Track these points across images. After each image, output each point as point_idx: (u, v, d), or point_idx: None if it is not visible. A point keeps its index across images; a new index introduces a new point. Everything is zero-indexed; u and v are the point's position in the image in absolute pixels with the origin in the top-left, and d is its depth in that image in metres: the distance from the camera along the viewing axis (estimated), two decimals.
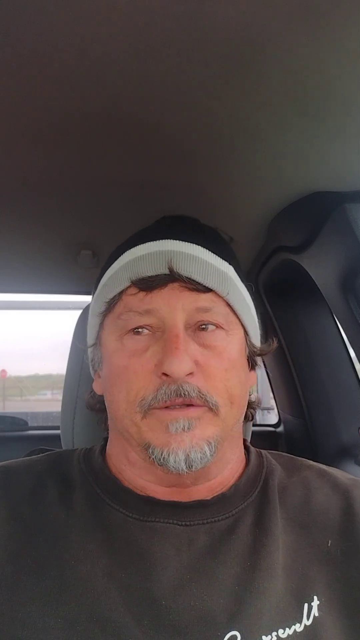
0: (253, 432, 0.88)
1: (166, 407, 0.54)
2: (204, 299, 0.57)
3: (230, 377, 0.57)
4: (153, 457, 0.53)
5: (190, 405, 0.54)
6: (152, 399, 0.54)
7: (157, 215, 0.69)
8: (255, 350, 0.65)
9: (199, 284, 0.57)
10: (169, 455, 0.52)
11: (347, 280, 0.92)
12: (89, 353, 0.67)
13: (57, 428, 0.90)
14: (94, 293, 0.67)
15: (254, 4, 0.48)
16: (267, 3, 0.48)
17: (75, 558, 0.53)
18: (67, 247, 1.23)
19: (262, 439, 1.79)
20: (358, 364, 1.39)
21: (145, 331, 0.57)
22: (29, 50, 0.55)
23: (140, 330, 0.57)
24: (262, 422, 1.99)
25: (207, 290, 0.57)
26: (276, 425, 1.85)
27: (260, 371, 1.88)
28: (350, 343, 1.05)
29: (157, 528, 0.55)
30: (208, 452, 0.53)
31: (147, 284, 0.57)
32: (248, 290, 0.65)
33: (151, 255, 0.58)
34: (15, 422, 1.90)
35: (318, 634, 0.51)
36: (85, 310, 0.85)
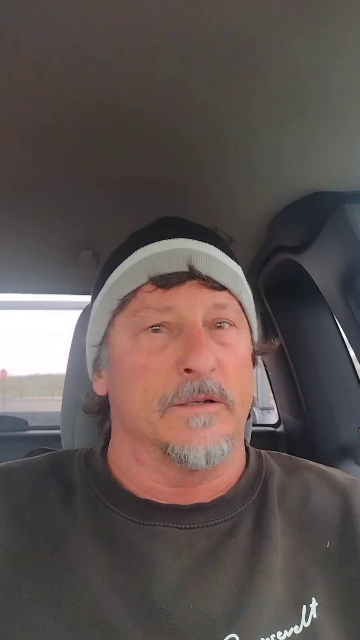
0: (253, 432, 0.88)
1: (185, 404, 0.54)
2: (221, 296, 0.58)
3: (242, 374, 0.58)
4: (173, 455, 0.53)
5: (209, 401, 0.54)
6: (173, 396, 0.53)
7: (157, 216, 0.69)
8: (257, 349, 0.66)
9: (216, 282, 0.57)
10: (190, 452, 0.52)
11: (347, 280, 0.92)
12: (91, 353, 0.66)
13: (57, 428, 0.90)
14: (96, 292, 0.66)
15: (254, 4, 0.48)
16: (267, 3, 0.48)
17: (75, 561, 0.53)
18: (67, 247, 1.23)
19: (262, 439, 1.79)
20: (358, 364, 1.39)
21: (164, 329, 0.57)
22: (28, 51, 0.55)
23: (158, 328, 0.57)
24: (262, 422, 1.99)
25: (223, 288, 0.58)
26: (276, 425, 1.85)
27: (260, 371, 1.88)
28: (350, 343, 1.06)
29: (156, 531, 0.55)
30: (226, 449, 0.54)
31: (166, 281, 0.56)
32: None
33: (170, 252, 0.58)
34: (15, 422, 1.90)
35: (316, 636, 0.51)
36: (86, 310, 0.85)
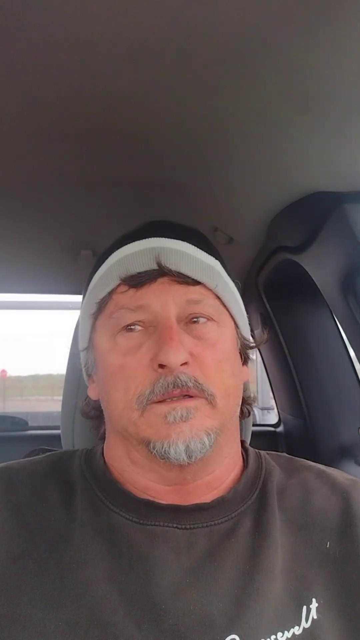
0: (253, 432, 0.88)
1: (164, 401, 0.54)
2: (194, 291, 0.58)
3: (224, 368, 0.57)
4: (154, 451, 0.53)
5: (187, 396, 0.54)
6: (149, 393, 0.54)
7: (157, 215, 0.69)
8: (246, 343, 0.65)
9: (187, 277, 0.57)
10: (169, 447, 0.52)
11: (347, 280, 0.92)
12: (82, 357, 0.67)
13: (57, 428, 0.90)
14: (84, 298, 0.67)
15: (254, 4, 0.48)
16: (267, 3, 0.48)
17: (75, 561, 0.53)
18: (67, 247, 1.23)
19: (262, 439, 1.79)
20: (358, 364, 1.39)
21: (138, 327, 0.57)
22: (28, 51, 0.55)
23: (132, 327, 0.57)
24: (262, 422, 1.99)
25: (196, 283, 0.58)
26: (276, 425, 1.85)
27: (260, 371, 1.88)
28: (350, 343, 1.05)
29: (156, 532, 0.55)
30: (207, 442, 0.54)
31: (137, 280, 0.57)
32: (235, 286, 0.66)
33: (139, 252, 0.59)
34: (15, 422, 1.90)
35: (317, 637, 0.51)
36: None
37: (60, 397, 0.90)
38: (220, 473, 0.61)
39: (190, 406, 0.54)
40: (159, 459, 0.54)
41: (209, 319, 0.59)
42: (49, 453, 0.70)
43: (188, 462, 0.53)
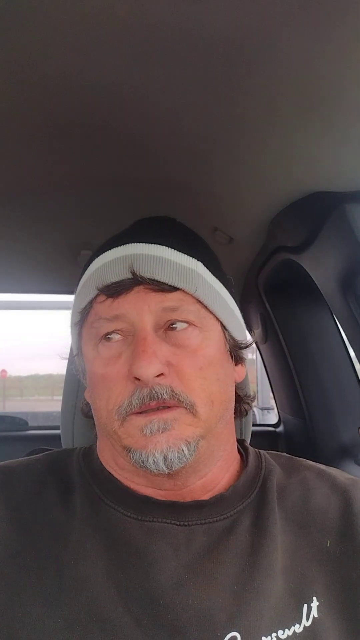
0: (253, 432, 0.88)
1: (143, 412, 0.54)
2: (171, 299, 0.57)
3: (206, 375, 0.56)
4: (134, 460, 0.54)
5: (165, 407, 0.54)
6: (127, 405, 0.54)
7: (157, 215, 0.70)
8: (237, 344, 0.64)
9: (164, 284, 0.56)
10: (147, 458, 0.53)
11: (347, 280, 0.92)
12: (76, 362, 0.68)
13: (57, 428, 0.90)
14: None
15: (254, 4, 0.48)
16: (267, 3, 0.48)
17: (74, 558, 0.53)
18: (67, 247, 1.23)
19: (262, 439, 1.79)
20: (358, 364, 1.39)
21: (117, 337, 0.57)
22: (28, 51, 0.55)
23: (111, 336, 0.57)
24: (262, 422, 1.99)
25: (174, 289, 0.57)
26: (276, 425, 1.85)
27: (260, 371, 1.88)
28: (350, 343, 1.05)
29: (155, 528, 0.56)
30: (186, 452, 0.53)
31: (113, 290, 0.57)
32: (226, 283, 0.64)
33: (114, 261, 0.58)
34: (15, 422, 1.91)
35: (318, 635, 0.51)
36: None
37: (60, 397, 0.90)
38: (214, 475, 0.61)
39: (167, 418, 0.53)
40: (139, 468, 0.54)
41: (189, 323, 0.57)
42: (48, 452, 0.70)
43: (169, 472, 0.53)
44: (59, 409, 0.89)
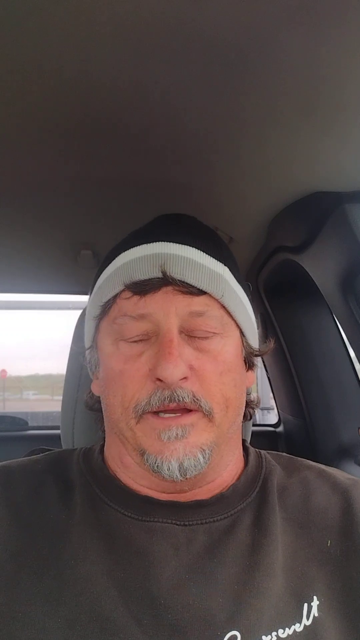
0: (253, 432, 0.88)
1: (159, 413, 0.54)
2: (198, 302, 0.56)
3: (225, 380, 0.56)
4: (148, 464, 0.54)
5: (184, 409, 0.54)
6: (145, 404, 0.54)
7: (157, 215, 0.69)
8: (252, 351, 0.64)
9: (192, 287, 0.56)
10: (162, 464, 0.53)
11: (347, 280, 0.92)
12: (87, 355, 0.67)
13: (57, 428, 0.90)
14: (90, 295, 0.67)
15: (254, 4, 0.48)
16: (267, 3, 0.48)
17: (74, 558, 0.54)
18: (67, 247, 1.23)
19: (262, 439, 1.79)
20: (358, 364, 1.39)
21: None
22: (28, 51, 0.55)
23: (136, 339, 0.57)
24: (262, 422, 1.99)
25: (201, 292, 0.57)
26: (276, 425, 1.85)
27: (260, 371, 1.88)
28: (350, 343, 1.05)
29: (155, 528, 0.56)
30: (202, 459, 0.53)
31: (141, 288, 0.56)
32: (245, 289, 0.64)
33: (144, 258, 0.57)
34: (15, 422, 1.91)
35: (318, 634, 0.51)
36: (85, 311, 0.85)
37: (60, 397, 0.90)
38: (222, 480, 0.61)
39: (185, 424, 0.54)
40: (152, 472, 0.54)
41: (212, 333, 0.57)
42: (48, 452, 0.70)
43: (182, 480, 0.53)
44: (59, 409, 0.89)
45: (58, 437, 0.88)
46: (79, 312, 0.88)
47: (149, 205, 0.94)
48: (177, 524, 0.56)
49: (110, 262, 0.62)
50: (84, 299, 1.73)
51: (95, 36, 0.53)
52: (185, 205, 0.99)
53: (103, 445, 0.67)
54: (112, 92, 0.63)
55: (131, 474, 0.60)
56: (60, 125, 0.70)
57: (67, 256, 1.29)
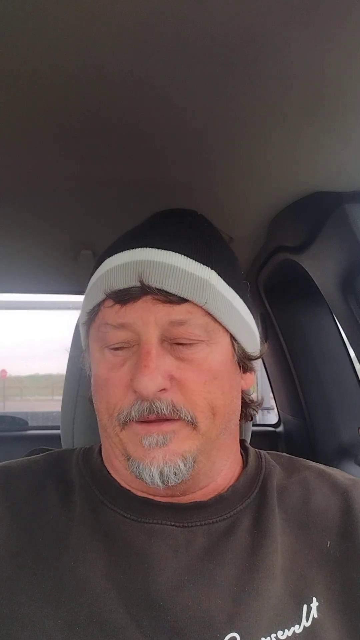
0: (253, 432, 0.88)
1: (142, 421, 0.54)
2: (178, 311, 0.54)
3: (211, 389, 0.55)
4: (131, 469, 0.54)
5: (165, 419, 0.53)
6: (127, 415, 0.54)
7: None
8: (246, 354, 0.62)
9: (172, 295, 0.54)
10: (143, 470, 0.53)
11: (347, 280, 0.92)
12: (83, 357, 0.68)
13: (57, 428, 0.90)
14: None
15: (254, 4, 0.48)
16: (267, 3, 0.48)
17: (74, 559, 0.53)
18: (67, 247, 1.23)
19: (262, 439, 1.79)
20: (358, 364, 1.39)
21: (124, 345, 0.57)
22: (28, 51, 0.55)
23: (118, 348, 0.57)
24: (262, 422, 1.99)
25: (183, 300, 0.54)
26: (276, 425, 1.85)
27: (261, 371, 1.88)
28: (350, 343, 1.05)
29: (154, 529, 0.55)
30: (183, 467, 0.53)
31: (121, 297, 0.55)
32: (240, 290, 0.61)
33: (123, 266, 0.56)
34: (15, 422, 1.91)
35: (317, 636, 0.51)
36: None
37: (60, 397, 0.90)
38: (217, 485, 0.61)
39: (167, 431, 0.53)
40: (137, 477, 0.54)
41: (197, 341, 0.55)
42: (48, 452, 0.70)
43: (163, 487, 0.53)
44: (59, 409, 0.89)
45: (58, 437, 0.88)
46: (79, 312, 0.88)
47: (149, 205, 0.94)
48: (176, 526, 0.56)
49: (97, 268, 0.62)
50: None
51: (95, 36, 0.53)
52: (185, 205, 0.98)
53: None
54: (113, 92, 0.62)
55: (122, 477, 0.60)
56: (60, 124, 0.70)
57: (67, 256, 1.29)
